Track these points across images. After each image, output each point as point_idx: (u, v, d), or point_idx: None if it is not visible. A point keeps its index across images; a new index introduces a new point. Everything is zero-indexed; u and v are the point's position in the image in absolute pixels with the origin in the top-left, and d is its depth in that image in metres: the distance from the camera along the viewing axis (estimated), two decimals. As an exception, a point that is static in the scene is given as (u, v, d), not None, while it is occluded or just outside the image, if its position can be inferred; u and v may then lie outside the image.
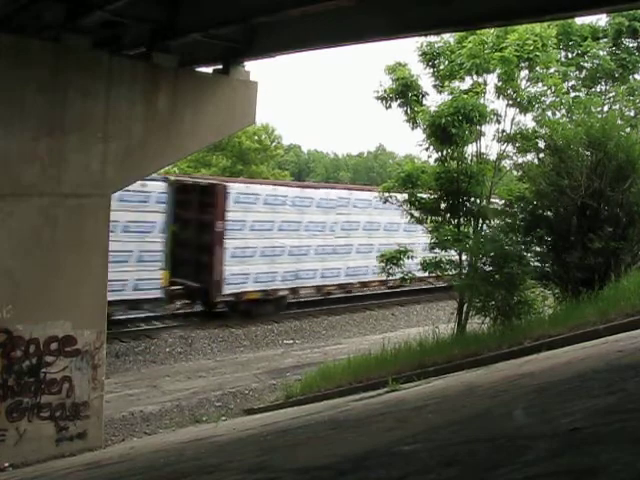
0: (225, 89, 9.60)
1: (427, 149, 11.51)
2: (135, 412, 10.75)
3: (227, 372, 13.29)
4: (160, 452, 6.07)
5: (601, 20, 14.84)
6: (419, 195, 11.87)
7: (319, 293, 18.61)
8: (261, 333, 16.27)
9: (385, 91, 11.51)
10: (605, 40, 14.45)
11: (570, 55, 14.59)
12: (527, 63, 10.97)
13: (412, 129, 11.54)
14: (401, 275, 12.18)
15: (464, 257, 11.36)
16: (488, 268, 10.50)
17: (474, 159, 11.71)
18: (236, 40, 9.00)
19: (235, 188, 16.06)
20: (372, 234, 18.78)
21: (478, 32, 10.73)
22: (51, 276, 8.31)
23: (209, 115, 9.52)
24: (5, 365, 8.05)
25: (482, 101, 11.18)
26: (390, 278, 13.27)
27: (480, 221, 11.63)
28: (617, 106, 13.95)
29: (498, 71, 11.01)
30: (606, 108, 13.49)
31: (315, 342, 16.07)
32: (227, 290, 15.94)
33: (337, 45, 8.25)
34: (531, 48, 10.65)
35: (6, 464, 7.90)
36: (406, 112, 11.56)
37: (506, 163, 12.48)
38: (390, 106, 11.59)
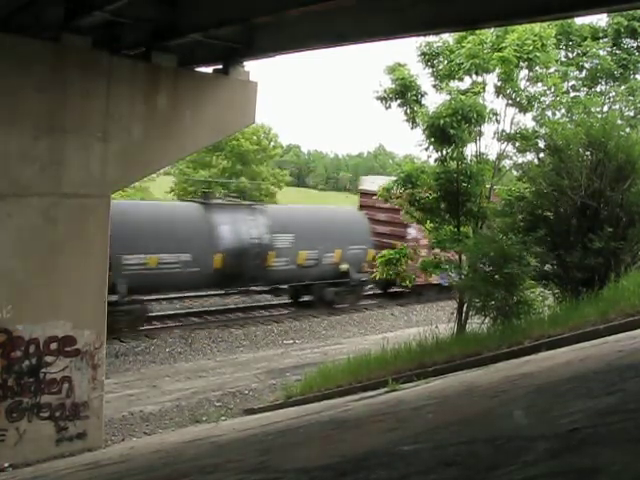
0: (225, 89, 9.60)
1: (427, 149, 11.52)
2: (135, 412, 10.75)
3: (227, 372, 13.29)
4: (160, 452, 6.07)
5: (601, 20, 14.87)
6: (419, 195, 11.88)
7: None
8: (261, 333, 16.28)
9: (385, 91, 11.53)
10: (605, 40, 14.46)
11: (570, 55, 14.60)
12: (526, 63, 10.98)
13: (412, 129, 11.60)
14: None
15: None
16: (488, 268, 10.49)
17: (474, 159, 11.72)
18: (236, 40, 8.99)
19: None
20: None
21: (477, 32, 10.74)
22: (51, 276, 8.31)
23: (209, 115, 9.53)
24: (5, 365, 8.05)
25: (481, 101, 11.18)
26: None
27: (480, 221, 11.63)
28: (617, 106, 13.95)
29: (497, 71, 11.02)
30: (606, 108, 13.49)
31: (315, 342, 16.06)
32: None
33: (337, 45, 8.24)
34: (530, 48, 10.66)
35: (6, 464, 7.90)
36: (405, 112, 11.59)
37: (506, 163, 12.51)
38: (390, 106, 11.63)
